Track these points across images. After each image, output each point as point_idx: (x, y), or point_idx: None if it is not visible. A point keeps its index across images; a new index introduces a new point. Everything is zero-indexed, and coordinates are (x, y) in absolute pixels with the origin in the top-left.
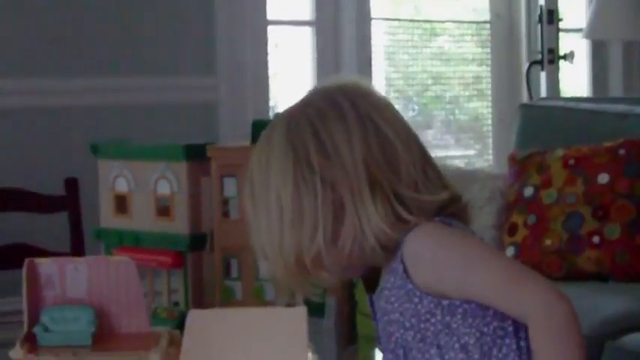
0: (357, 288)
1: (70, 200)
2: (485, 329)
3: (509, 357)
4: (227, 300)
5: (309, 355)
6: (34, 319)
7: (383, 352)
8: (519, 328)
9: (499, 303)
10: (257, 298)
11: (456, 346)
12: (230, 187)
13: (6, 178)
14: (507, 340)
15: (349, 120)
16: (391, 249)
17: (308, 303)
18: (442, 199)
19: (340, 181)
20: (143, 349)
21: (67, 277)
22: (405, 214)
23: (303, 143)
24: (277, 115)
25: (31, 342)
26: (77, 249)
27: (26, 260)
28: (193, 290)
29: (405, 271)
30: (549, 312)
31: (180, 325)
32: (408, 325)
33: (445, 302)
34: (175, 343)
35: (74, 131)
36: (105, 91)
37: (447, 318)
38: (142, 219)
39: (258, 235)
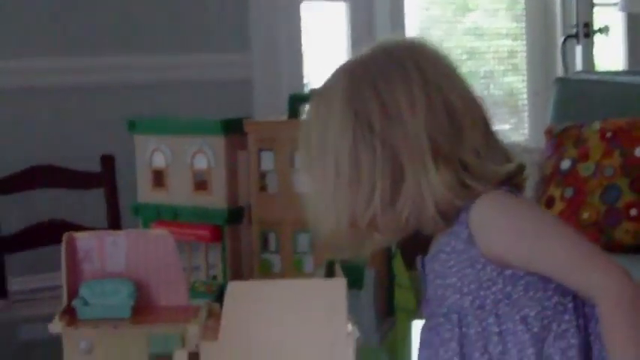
0: (395, 260)
1: (106, 177)
2: (547, 303)
3: (568, 332)
4: (265, 273)
5: (349, 326)
6: (72, 293)
7: (428, 317)
8: (578, 306)
9: (567, 277)
10: (295, 270)
11: (517, 317)
12: (267, 160)
13: (44, 155)
14: (567, 317)
15: (413, 83)
16: (449, 215)
17: (347, 274)
18: (509, 169)
19: (401, 143)
20: (183, 321)
21: (106, 250)
22: (469, 181)
23: (364, 102)
24: (338, 69)
25: (70, 315)
26: (113, 225)
27: (65, 234)
28: (231, 264)
29: (470, 236)
30: (621, 290)
31: (218, 298)
32: (466, 290)
33: (508, 272)
34: (214, 316)
35: (111, 108)
36: (141, 68)
37: (509, 288)
38: (179, 193)
39: (312, 189)
